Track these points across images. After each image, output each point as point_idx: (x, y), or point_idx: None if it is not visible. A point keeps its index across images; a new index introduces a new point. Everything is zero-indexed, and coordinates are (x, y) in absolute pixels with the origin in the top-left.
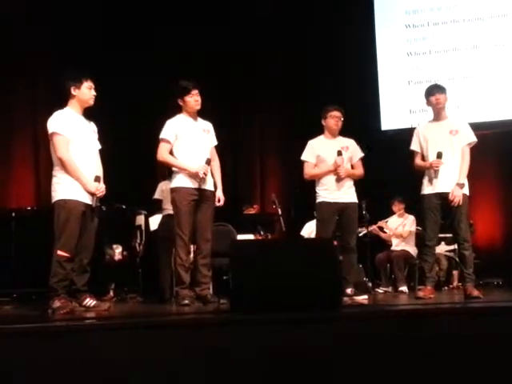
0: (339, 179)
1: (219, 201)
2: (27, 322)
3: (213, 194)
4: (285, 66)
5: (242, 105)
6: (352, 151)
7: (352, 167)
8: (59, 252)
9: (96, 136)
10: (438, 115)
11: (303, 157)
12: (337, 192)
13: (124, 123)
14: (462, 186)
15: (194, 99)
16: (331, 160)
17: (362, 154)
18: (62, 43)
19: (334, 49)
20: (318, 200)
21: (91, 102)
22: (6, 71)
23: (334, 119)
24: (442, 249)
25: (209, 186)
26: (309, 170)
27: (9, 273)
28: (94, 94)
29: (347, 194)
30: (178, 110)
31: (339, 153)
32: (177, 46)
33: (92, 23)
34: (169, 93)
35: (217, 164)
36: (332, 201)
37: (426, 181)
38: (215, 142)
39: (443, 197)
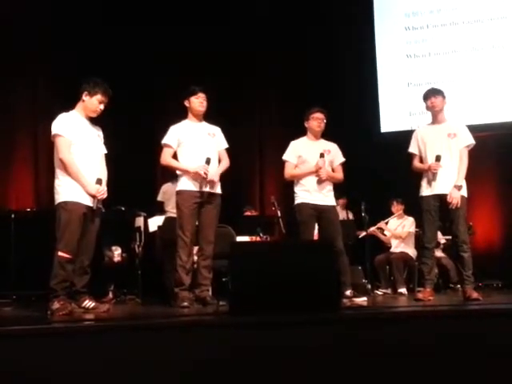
0: (320, 181)
1: (206, 174)
2: (26, 324)
3: (218, 196)
4: (285, 66)
5: (242, 105)
6: (333, 155)
7: (332, 171)
8: (60, 253)
9: (101, 140)
10: (435, 118)
11: (285, 156)
12: (317, 194)
13: (123, 124)
14: (459, 187)
15: (199, 101)
16: (313, 161)
17: (343, 159)
18: (62, 43)
19: (334, 49)
20: (298, 201)
21: (94, 115)
22: (6, 71)
23: (316, 121)
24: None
25: (213, 188)
26: (289, 171)
27: (8, 274)
28: (102, 108)
29: (327, 196)
30: (183, 113)
31: (321, 155)
32: (177, 45)
33: (92, 23)
34: (176, 96)
35: (225, 163)
36: (312, 202)
37: (424, 183)
38: (224, 145)
39: (442, 199)
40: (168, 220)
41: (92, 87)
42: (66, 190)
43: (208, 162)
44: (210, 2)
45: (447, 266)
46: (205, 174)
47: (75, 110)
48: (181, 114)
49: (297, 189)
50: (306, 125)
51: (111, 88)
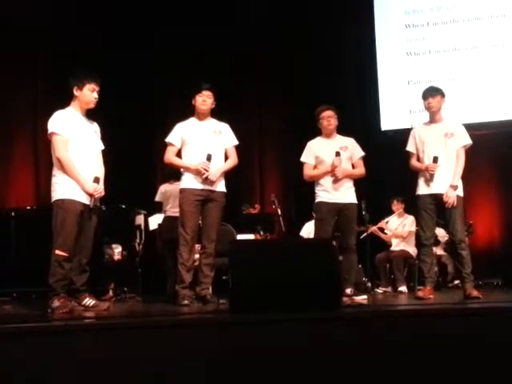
0: (337, 180)
1: (207, 170)
2: (27, 322)
3: (221, 194)
4: (285, 66)
5: (242, 105)
6: (351, 150)
7: (353, 166)
8: (57, 252)
9: (98, 136)
10: (432, 118)
11: (302, 158)
12: (335, 192)
13: (123, 123)
14: (455, 187)
15: (202, 99)
16: (329, 161)
17: (363, 153)
18: (62, 43)
19: (335, 49)
20: (317, 200)
21: (92, 105)
22: (5, 70)
23: (326, 120)
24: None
25: (216, 186)
26: (308, 171)
27: (8, 272)
28: (96, 97)
29: (346, 194)
30: (184, 113)
31: (337, 153)
32: (177, 46)
33: (92, 23)
34: (176, 95)
35: (231, 161)
36: (331, 201)
37: (421, 181)
38: (233, 142)
39: (438, 198)
40: (167, 220)
41: (79, 80)
42: (62, 188)
43: (209, 158)
44: (210, 2)
45: (447, 265)
46: (205, 170)
47: (71, 106)
48: (181, 113)
49: (317, 189)
50: (318, 126)
51: (111, 88)
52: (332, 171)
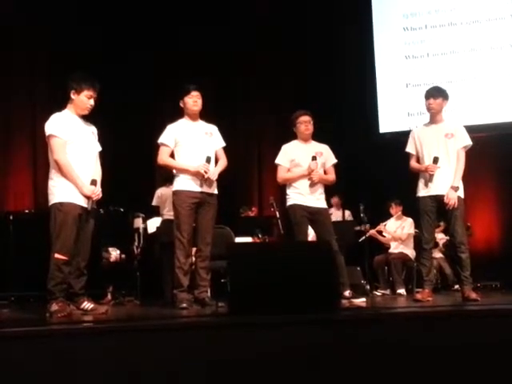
0: (312, 184)
1: (206, 172)
2: (25, 326)
3: (215, 197)
4: (285, 66)
5: (241, 105)
6: (325, 157)
7: (325, 173)
8: (56, 255)
9: (95, 138)
10: (433, 118)
11: (277, 160)
12: (310, 196)
13: (123, 124)
14: (456, 188)
15: (192, 100)
16: (305, 164)
17: (335, 161)
18: (62, 43)
19: (334, 50)
20: (290, 203)
21: (86, 112)
22: (5, 72)
23: (303, 124)
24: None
25: (211, 189)
26: (282, 174)
27: (7, 276)
28: (92, 104)
29: (319, 199)
30: (180, 113)
31: (313, 158)
32: (177, 46)
33: (92, 23)
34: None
35: (223, 163)
36: (304, 204)
37: (421, 183)
38: (222, 144)
39: (438, 199)
40: (164, 223)
41: (77, 84)
42: (60, 191)
43: (208, 160)
44: (210, 2)
45: (444, 268)
46: (205, 172)
47: (67, 109)
48: (180, 114)
49: (289, 191)
50: (294, 130)
51: (111, 89)
52: (308, 175)
